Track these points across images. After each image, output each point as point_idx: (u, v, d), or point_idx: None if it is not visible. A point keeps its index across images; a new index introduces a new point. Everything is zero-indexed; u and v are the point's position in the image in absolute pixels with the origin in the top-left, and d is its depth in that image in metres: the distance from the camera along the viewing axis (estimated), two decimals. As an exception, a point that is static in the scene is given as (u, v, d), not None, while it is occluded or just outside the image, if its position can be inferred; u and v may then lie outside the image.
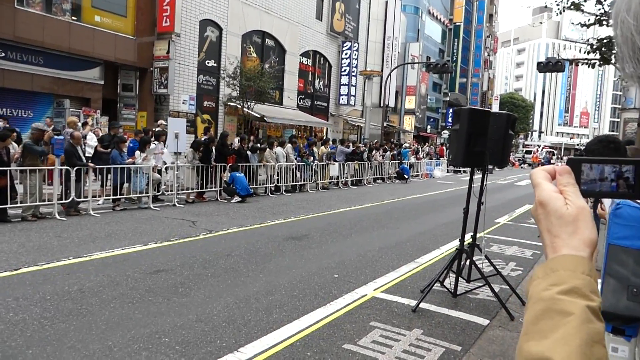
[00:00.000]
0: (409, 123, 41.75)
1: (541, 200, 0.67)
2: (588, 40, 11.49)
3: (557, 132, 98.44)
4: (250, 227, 9.14)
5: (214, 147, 12.82)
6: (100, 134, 12.09)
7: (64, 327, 4.18)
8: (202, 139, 13.57)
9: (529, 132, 78.81)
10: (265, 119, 21.95)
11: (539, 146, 61.39)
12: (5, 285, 5.17)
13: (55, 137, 10.75)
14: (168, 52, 18.63)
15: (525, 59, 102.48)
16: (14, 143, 9.86)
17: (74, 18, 16.37)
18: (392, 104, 37.35)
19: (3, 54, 14.61)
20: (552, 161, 47.89)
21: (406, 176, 22.04)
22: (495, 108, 54.43)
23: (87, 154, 10.85)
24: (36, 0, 15.32)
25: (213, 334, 4.20)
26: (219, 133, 17.02)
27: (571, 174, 0.69)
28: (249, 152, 13.81)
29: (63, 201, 9.40)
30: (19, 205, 8.81)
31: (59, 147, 10.04)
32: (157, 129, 12.98)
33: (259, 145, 14.91)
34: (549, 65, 17.80)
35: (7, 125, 10.31)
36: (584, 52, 11.47)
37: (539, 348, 0.56)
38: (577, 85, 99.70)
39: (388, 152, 22.44)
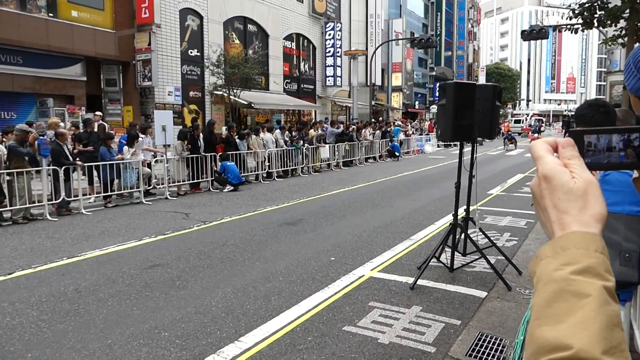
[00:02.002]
0: (396, 100, 41.63)
1: (546, 174, 0.62)
2: (570, 5, 11.42)
3: (545, 100, 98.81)
4: (244, 215, 9.12)
5: (200, 137, 12.71)
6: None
7: (62, 328, 4.16)
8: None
9: (517, 102, 78.90)
10: (252, 105, 21.77)
11: (527, 115, 61.48)
12: (0, 290, 5.13)
13: (40, 137, 10.61)
14: (149, 44, 18.36)
15: (509, 28, 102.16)
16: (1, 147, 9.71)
17: (50, 14, 16.03)
18: (379, 82, 37.19)
19: (-20, 56, 14.31)
20: (541, 129, 48.07)
21: (397, 154, 22.04)
22: (481, 80, 54.32)
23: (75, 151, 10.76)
24: (9, -1, 14.96)
25: (213, 325, 4.21)
26: (206, 123, 16.85)
27: (574, 146, 0.65)
28: (237, 140, 13.71)
29: (53, 201, 9.31)
30: (8, 208, 8.72)
31: (44, 147, 9.91)
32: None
33: (243, 131, 14.78)
34: (533, 33, 17.74)
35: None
36: (566, 18, 11.42)
37: (555, 333, 0.52)
38: (562, 51, 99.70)
39: (378, 131, 22.39)
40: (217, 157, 12.75)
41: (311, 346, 3.81)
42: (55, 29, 15.94)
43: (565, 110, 72.75)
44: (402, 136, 24.81)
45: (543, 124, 51.59)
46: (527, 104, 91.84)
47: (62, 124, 10.27)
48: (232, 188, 12.33)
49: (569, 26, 12.07)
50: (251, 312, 4.49)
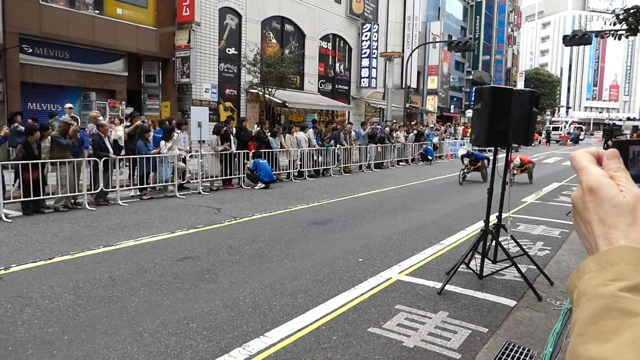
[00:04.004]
0: (431, 103, 41.16)
1: (591, 186, 0.59)
2: (614, 10, 11.02)
3: (586, 107, 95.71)
4: (274, 212, 9.22)
5: (232, 133, 12.89)
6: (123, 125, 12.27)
7: (96, 313, 4.32)
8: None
9: (556, 108, 76.75)
10: (286, 104, 21.96)
11: (567, 122, 59.73)
12: (40, 274, 5.37)
13: (82, 129, 11.02)
14: (189, 42, 18.76)
15: (550, 33, 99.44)
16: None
17: (96, 11, 16.61)
18: (414, 85, 36.86)
19: (30, 50, 14.95)
20: (580, 137, 46.58)
21: (430, 157, 21.81)
22: (520, 85, 53.14)
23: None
24: (59, -5, 15.56)
25: (239, 319, 4.28)
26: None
27: (620, 157, 0.61)
28: (270, 138, 13.86)
29: (92, 192, 9.64)
30: (51, 196, 9.09)
31: (85, 139, 10.27)
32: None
33: (275, 129, 14.93)
34: (576, 39, 17.22)
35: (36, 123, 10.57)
36: (610, 24, 11.04)
37: (601, 352, 0.48)
38: (606, 57, 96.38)
39: (411, 134, 22.20)
40: (250, 154, 12.91)
41: (335, 345, 3.84)
42: (101, 26, 16.49)
43: (607, 119, 70.31)
44: (436, 140, 24.52)
45: (582, 132, 49.99)
46: (567, 111, 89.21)
47: (101, 117, 10.61)
48: (263, 185, 12.47)
49: (612, 32, 11.67)
50: (277, 308, 4.55)
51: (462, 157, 15.01)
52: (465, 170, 14.25)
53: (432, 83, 40.92)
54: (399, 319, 4.36)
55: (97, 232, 7.45)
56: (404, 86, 31.92)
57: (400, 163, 20.78)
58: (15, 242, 6.72)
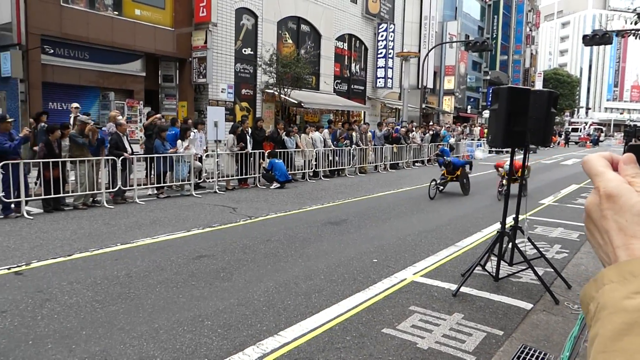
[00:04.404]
0: (448, 104, 40.87)
1: (610, 193, 0.55)
2: (635, 9, 10.83)
3: (606, 108, 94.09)
4: (289, 212, 9.25)
5: (248, 133, 12.96)
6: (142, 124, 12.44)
7: (113, 309, 4.39)
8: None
9: (576, 109, 75.59)
10: (302, 104, 22.00)
11: (586, 123, 58.79)
12: (60, 270, 5.47)
13: (102, 128, 11.19)
14: (206, 42, 18.90)
15: (570, 33, 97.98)
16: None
17: (115, 13, 16.83)
18: (430, 85, 36.63)
19: (52, 51, 15.22)
20: (600, 139, 45.82)
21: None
22: (538, 85, 52.42)
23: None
24: (79, -3, 15.82)
25: (254, 317, 4.31)
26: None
27: (637, 162, 0.58)
28: (285, 137, 13.91)
29: (111, 190, 9.78)
30: (70, 194, 9.25)
31: (105, 138, 10.42)
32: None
33: (291, 128, 14.98)
34: (596, 38, 16.96)
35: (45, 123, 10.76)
36: (631, 23, 10.84)
37: None
38: (627, 57, 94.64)
39: (427, 134, 22.07)
40: (266, 154, 12.97)
41: (349, 346, 3.84)
42: (120, 27, 16.71)
43: (628, 120, 68.99)
44: (452, 141, 24.32)
45: (602, 134, 49.14)
46: (587, 112, 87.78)
47: (120, 117, 10.75)
48: (278, 185, 12.52)
49: (634, 31, 11.47)
50: (292, 307, 4.56)
51: (440, 163, 12.55)
52: (439, 182, 11.62)
53: (449, 83, 40.63)
54: (413, 320, 4.35)
55: (115, 229, 7.56)
56: (420, 86, 31.75)
57: (416, 164, 20.67)
58: (36, 239, 6.85)
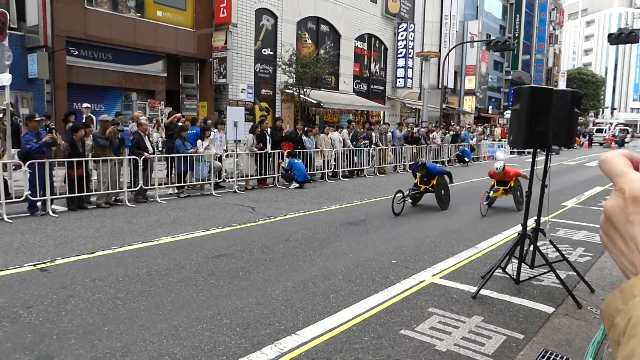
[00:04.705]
0: (469, 104, 40.45)
1: (637, 196, 0.50)
2: None
3: (632, 108, 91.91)
4: (308, 212, 9.27)
5: (267, 133, 13.03)
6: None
7: (134, 307, 4.46)
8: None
9: (600, 109, 74.02)
10: (321, 104, 22.03)
11: (611, 124, 57.51)
12: (83, 267, 5.58)
13: (125, 128, 11.37)
14: (226, 43, 19.06)
15: (594, 31, 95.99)
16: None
17: (138, 14, 17.09)
18: (451, 85, 36.31)
19: (76, 52, 15.54)
20: (626, 139, 44.81)
21: (467, 159, 21.44)
22: (561, 85, 51.52)
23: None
24: (104, 0, 16.11)
25: (272, 316, 4.33)
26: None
27: None
28: (304, 137, 13.93)
29: (132, 189, 9.94)
30: (93, 193, 9.43)
31: (127, 138, 10.59)
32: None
33: (310, 128, 15.00)
34: (622, 37, 16.58)
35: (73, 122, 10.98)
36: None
37: None
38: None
39: (448, 134, 21.87)
40: (285, 154, 13.02)
41: (367, 346, 3.83)
42: (142, 28, 16.97)
43: (656, 121, 67.25)
44: (473, 141, 24.06)
45: (628, 135, 48.01)
46: (612, 113, 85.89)
47: (143, 117, 10.92)
48: (297, 185, 12.56)
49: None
50: (309, 307, 4.57)
51: (412, 170, 10.53)
52: (407, 194, 9.45)
53: (470, 83, 40.20)
54: (432, 322, 4.31)
55: (137, 228, 7.68)
56: (440, 86, 31.49)
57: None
58: (61, 236, 7.00)
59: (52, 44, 14.51)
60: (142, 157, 9.90)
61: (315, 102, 21.59)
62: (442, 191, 9.95)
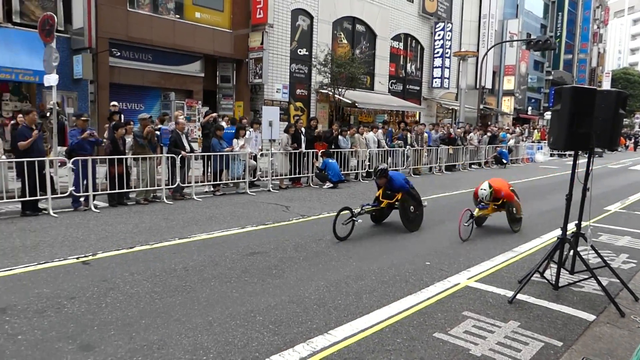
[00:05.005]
0: (507, 105, 39.52)
1: None
2: None
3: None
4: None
5: (302, 133, 13.10)
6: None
7: (171, 301, 4.57)
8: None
9: (648, 111, 70.88)
10: (356, 104, 21.99)
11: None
12: (123, 261, 5.76)
13: (162, 127, 11.65)
14: (262, 43, 19.27)
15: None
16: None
17: (177, 16, 17.50)
18: (489, 85, 35.58)
19: (118, 53, 16.03)
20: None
21: (505, 161, 20.96)
22: (605, 85, 49.68)
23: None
24: (145, 2, 16.57)
25: (304, 315, 4.36)
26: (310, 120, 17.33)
27: None
28: (339, 137, 13.93)
29: (170, 186, 10.18)
30: (133, 189, 9.72)
31: (165, 136, 10.85)
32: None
33: (345, 128, 14.99)
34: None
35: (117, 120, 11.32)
36: None
37: None
38: None
39: (485, 136, 21.43)
40: (319, 153, 13.06)
41: (399, 348, 3.80)
42: (181, 29, 17.36)
43: None
44: (511, 143, 23.51)
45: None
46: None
47: (181, 117, 11.16)
48: (331, 185, 12.57)
49: None
50: (342, 307, 4.57)
51: (375, 179, 8.11)
52: (359, 211, 7.47)
53: (509, 83, 39.27)
54: (466, 325, 4.24)
55: (174, 224, 7.86)
56: (478, 87, 30.90)
57: (473, 166, 20.14)
58: (102, 231, 7.25)
59: (96, 45, 15.03)
60: (180, 156, 10.13)
61: (350, 102, 21.56)
62: (411, 207, 7.81)
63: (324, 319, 4.29)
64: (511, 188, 7.89)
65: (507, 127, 27.34)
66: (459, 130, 19.86)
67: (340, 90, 20.57)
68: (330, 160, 12.77)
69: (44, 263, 5.64)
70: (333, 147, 13.71)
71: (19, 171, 8.79)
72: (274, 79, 20.36)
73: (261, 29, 19.35)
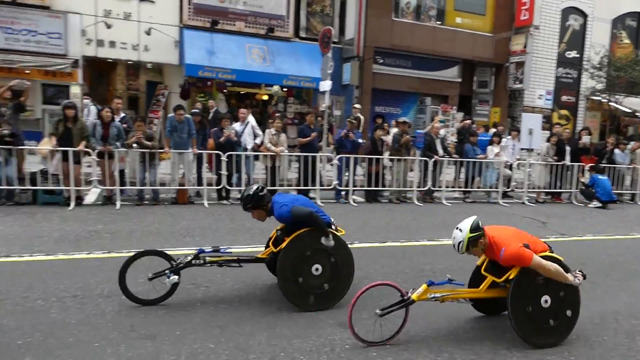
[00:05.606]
0: None
1: None
2: None
3: None
4: (611, 237, 8.03)
5: (566, 143, 11.78)
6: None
7: (420, 299, 4.71)
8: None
9: None
10: (636, 114, 18.74)
11: None
12: (376, 254, 6.19)
13: (417, 131, 12.08)
14: (525, 46, 18.15)
15: None
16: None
17: (438, 22, 17.83)
18: None
19: (382, 61, 17.25)
20: None
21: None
22: None
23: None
24: (409, 11, 17.40)
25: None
26: (577, 130, 15.55)
27: None
28: (616, 151, 12.06)
29: (421, 189, 10.49)
30: (386, 189, 10.38)
31: (419, 140, 11.21)
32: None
33: (625, 142, 12.85)
34: None
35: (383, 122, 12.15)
36: None
37: None
38: None
39: None
40: (586, 168, 11.58)
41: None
42: (441, 35, 17.63)
43: None
44: None
45: None
46: None
47: (437, 124, 11.30)
48: (599, 205, 11.01)
49: None
50: (607, 344, 3.98)
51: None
52: (200, 262, 4.34)
53: None
54: None
55: (423, 226, 8.09)
56: None
57: None
58: (357, 224, 7.93)
59: (362, 53, 16.48)
60: (432, 159, 10.32)
61: (629, 110, 18.49)
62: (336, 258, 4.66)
63: (584, 352, 3.82)
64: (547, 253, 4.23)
65: None
66: None
67: (617, 97, 17.82)
68: (600, 177, 11.19)
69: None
70: (604, 161, 11.95)
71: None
72: (536, 84, 18.89)
73: (525, 31, 18.20)
